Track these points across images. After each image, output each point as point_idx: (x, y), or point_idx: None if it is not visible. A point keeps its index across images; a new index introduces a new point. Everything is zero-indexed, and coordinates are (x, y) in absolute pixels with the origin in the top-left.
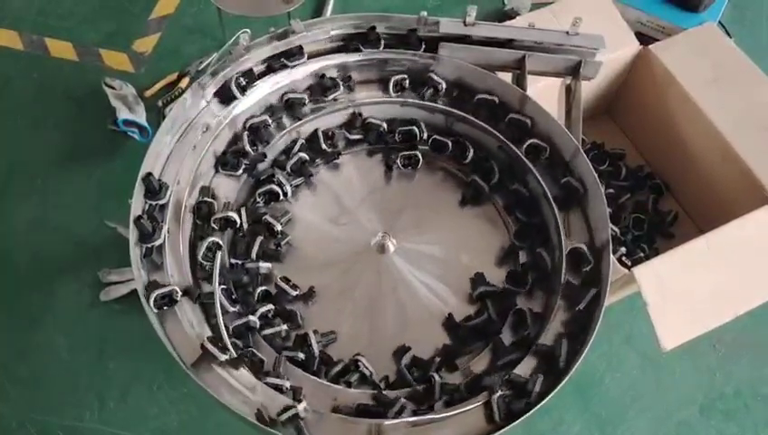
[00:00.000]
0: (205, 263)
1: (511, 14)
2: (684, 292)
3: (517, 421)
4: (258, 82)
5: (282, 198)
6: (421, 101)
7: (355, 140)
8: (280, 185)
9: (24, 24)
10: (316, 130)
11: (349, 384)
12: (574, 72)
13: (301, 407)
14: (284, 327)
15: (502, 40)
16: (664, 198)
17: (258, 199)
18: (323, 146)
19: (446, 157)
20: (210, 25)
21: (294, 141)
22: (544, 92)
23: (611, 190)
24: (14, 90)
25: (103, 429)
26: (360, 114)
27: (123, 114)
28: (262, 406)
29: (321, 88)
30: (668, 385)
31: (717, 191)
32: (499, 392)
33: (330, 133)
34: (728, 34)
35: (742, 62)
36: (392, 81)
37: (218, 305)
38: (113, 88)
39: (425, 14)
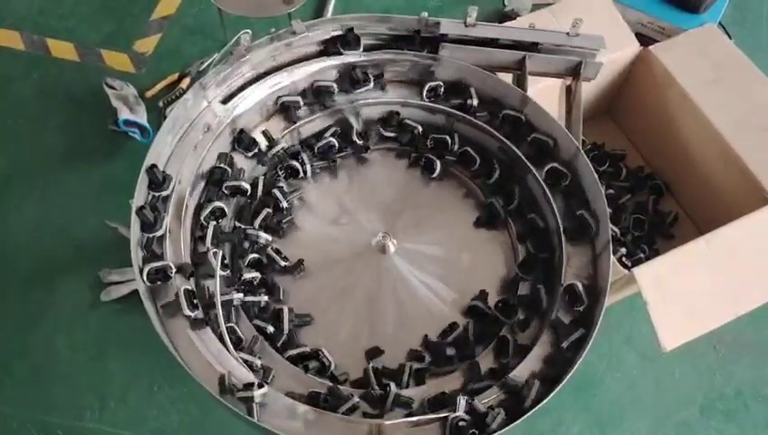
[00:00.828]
0: (205, 224)
1: (511, 15)
2: (684, 292)
3: None
4: (257, 83)
5: (301, 175)
6: (456, 112)
7: (388, 137)
8: (302, 163)
9: (25, 25)
10: (350, 119)
11: (306, 369)
12: (575, 72)
13: (258, 392)
14: (265, 298)
15: (502, 41)
16: (664, 198)
17: (279, 172)
18: (355, 138)
19: (460, 165)
20: (211, 26)
21: (328, 127)
22: (545, 93)
23: (612, 191)
24: (14, 90)
25: (104, 428)
26: (398, 113)
27: (124, 115)
28: (228, 375)
29: (351, 81)
30: (668, 385)
31: (717, 192)
32: (456, 414)
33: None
34: (728, 35)
35: (742, 63)
36: (426, 86)
37: (214, 263)
38: (114, 88)
39: (425, 14)
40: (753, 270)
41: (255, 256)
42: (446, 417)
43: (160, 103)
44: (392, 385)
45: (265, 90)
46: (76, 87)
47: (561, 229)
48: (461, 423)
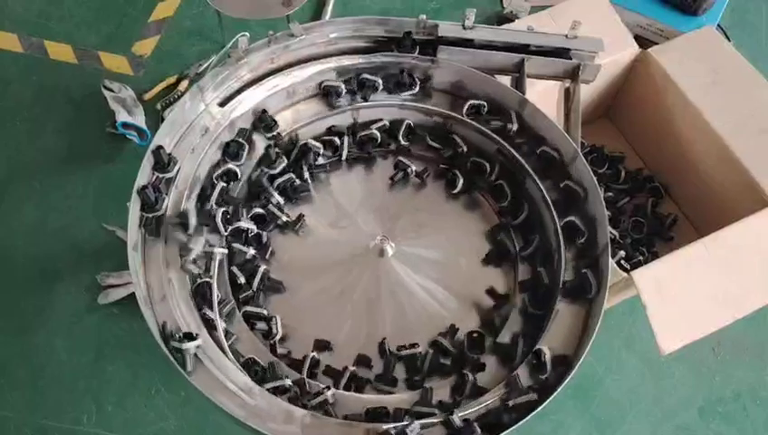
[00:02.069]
0: (215, 182)
1: (510, 18)
2: (683, 295)
3: None
4: (255, 86)
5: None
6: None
7: (431, 146)
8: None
9: (24, 27)
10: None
11: (252, 327)
12: (573, 75)
13: (191, 344)
14: (252, 252)
15: (501, 43)
16: (663, 201)
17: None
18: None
19: (490, 195)
20: (210, 28)
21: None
22: (543, 96)
23: (610, 193)
24: (13, 92)
25: (101, 432)
26: (446, 125)
27: (122, 117)
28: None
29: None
30: (668, 388)
31: (717, 194)
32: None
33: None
34: (727, 38)
35: (741, 66)
36: (467, 104)
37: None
38: (112, 91)
39: (424, 17)
40: (753, 273)
41: (260, 210)
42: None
43: (158, 106)
44: (330, 388)
45: (263, 92)
46: (74, 89)
47: (561, 285)
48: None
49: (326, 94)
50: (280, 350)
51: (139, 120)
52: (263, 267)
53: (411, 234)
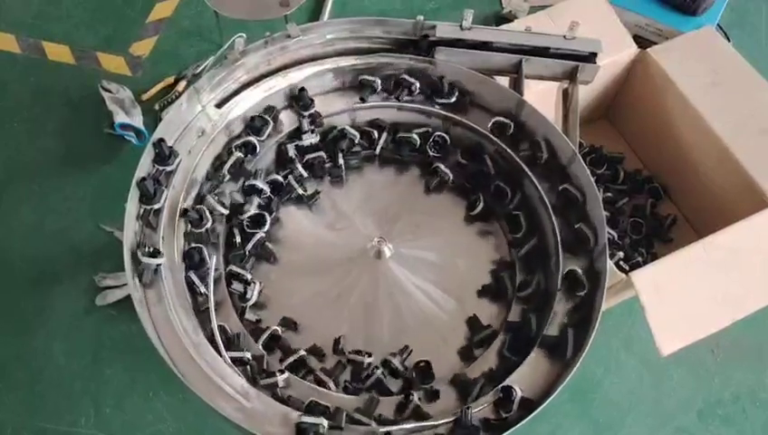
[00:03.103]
0: (233, 151)
1: (508, 18)
2: (682, 296)
3: None
4: (252, 87)
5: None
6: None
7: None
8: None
9: (22, 28)
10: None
11: (228, 284)
12: (571, 76)
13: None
14: (256, 210)
15: (499, 44)
16: (662, 202)
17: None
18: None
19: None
20: (207, 29)
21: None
22: (541, 97)
23: (609, 194)
24: (10, 93)
25: (99, 434)
26: (481, 145)
27: (120, 118)
28: None
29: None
30: (667, 390)
31: (716, 195)
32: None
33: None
34: (727, 38)
35: (740, 66)
36: (492, 121)
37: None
38: (110, 91)
39: (422, 18)
40: (752, 274)
41: (278, 177)
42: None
43: (156, 106)
44: (283, 372)
45: (260, 93)
46: (72, 90)
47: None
48: None
49: (361, 87)
50: (249, 315)
51: (137, 120)
52: (261, 233)
53: (409, 236)
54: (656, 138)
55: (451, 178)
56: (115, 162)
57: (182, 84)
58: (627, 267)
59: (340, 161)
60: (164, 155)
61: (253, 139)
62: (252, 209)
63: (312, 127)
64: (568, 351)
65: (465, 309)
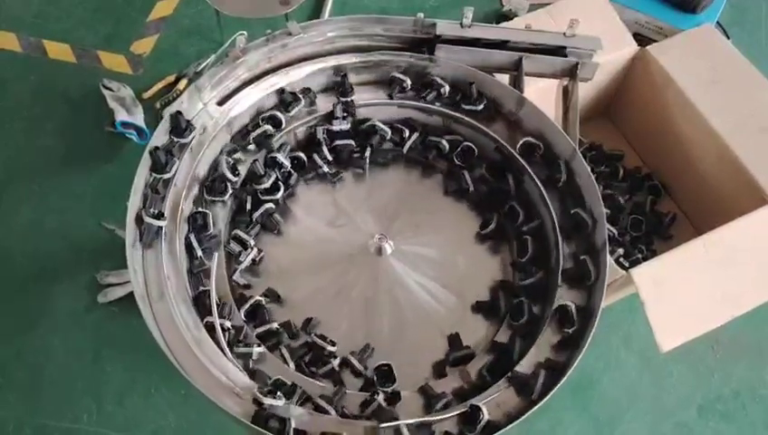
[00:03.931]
0: (261, 123)
1: (509, 16)
2: (682, 293)
3: None
4: (253, 84)
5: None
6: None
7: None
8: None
9: (22, 27)
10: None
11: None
12: (571, 73)
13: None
14: (274, 177)
15: (499, 42)
16: (662, 199)
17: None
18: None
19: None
20: (208, 27)
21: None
22: (542, 94)
23: (609, 191)
24: (11, 92)
25: (101, 431)
26: (474, 149)
27: (121, 116)
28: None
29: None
30: (666, 386)
31: (715, 193)
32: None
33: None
34: (726, 36)
35: (740, 64)
36: (522, 141)
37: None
38: (111, 90)
39: (422, 15)
40: (752, 270)
41: (302, 155)
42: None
43: (158, 105)
44: (260, 345)
45: (261, 91)
46: (73, 89)
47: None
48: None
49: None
50: (236, 278)
51: (139, 118)
52: (270, 204)
53: (409, 233)
54: (655, 135)
55: (472, 188)
56: (116, 161)
57: (183, 82)
58: (627, 264)
59: (366, 154)
60: (181, 128)
61: (278, 113)
62: (268, 182)
63: (345, 114)
64: (535, 393)
65: (465, 305)
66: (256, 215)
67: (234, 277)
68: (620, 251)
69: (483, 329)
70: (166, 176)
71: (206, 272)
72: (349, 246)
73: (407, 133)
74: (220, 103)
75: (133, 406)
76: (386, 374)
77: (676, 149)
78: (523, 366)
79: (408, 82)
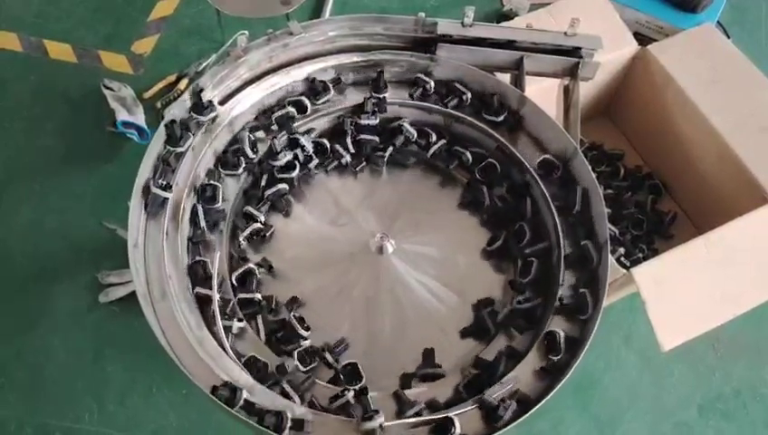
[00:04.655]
0: (285, 105)
1: (510, 15)
2: (682, 292)
3: None
4: (254, 84)
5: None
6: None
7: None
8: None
9: (23, 26)
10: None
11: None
12: (572, 72)
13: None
14: (289, 157)
15: (500, 41)
16: (663, 198)
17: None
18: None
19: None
20: (209, 27)
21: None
22: (542, 93)
23: (610, 191)
24: (12, 92)
25: (102, 431)
26: (498, 167)
27: (122, 116)
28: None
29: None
30: (667, 385)
31: (716, 192)
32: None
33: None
34: (727, 35)
35: (740, 63)
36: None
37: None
38: (112, 90)
39: (423, 15)
40: (752, 269)
41: (326, 141)
42: (445, 418)
43: (158, 104)
44: (242, 320)
45: (262, 91)
46: (74, 89)
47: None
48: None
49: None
50: (233, 248)
51: (139, 118)
52: (284, 184)
53: (410, 231)
54: (656, 135)
55: (488, 202)
56: (116, 160)
57: (184, 82)
58: (628, 263)
59: (387, 153)
60: (201, 107)
61: (304, 99)
62: (284, 160)
63: (375, 109)
64: (500, 423)
65: (466, 303)
66: (269, 192)
67: (232, 249)
68: (621, 250)
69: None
70: (179, 149)
71: (206, 244)
72: (350, 244)
73: (433, 138)
74: (222, 103)
75: (134, 406)
76: (352, 373)
77: (677, 149)
78: (494, 393)
79: (432, 84)
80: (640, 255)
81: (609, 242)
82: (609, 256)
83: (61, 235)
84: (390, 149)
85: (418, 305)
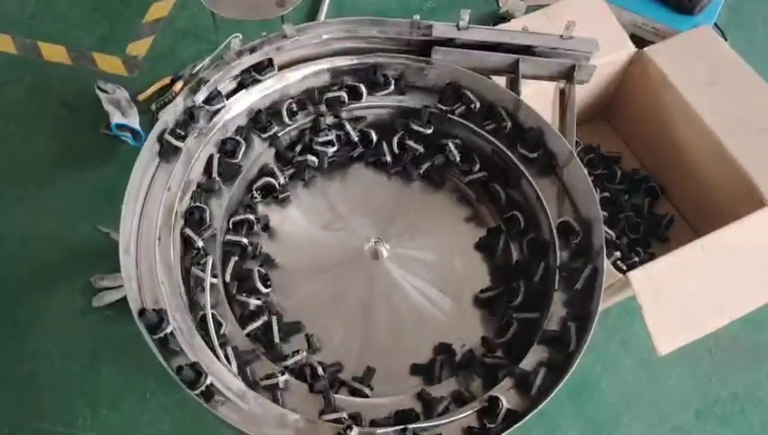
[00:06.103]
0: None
1: (505, 18)
2: (679, 296)
3: None
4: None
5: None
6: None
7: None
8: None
9: (18, 28)
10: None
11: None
12: (568, 75)
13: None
14: (296, 153)
15: (495, 44)
16: (659, 201)
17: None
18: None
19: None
20: (204, 29)
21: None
22: (538, 96)
23: (607, 194)
24: (6, 94)
25: None
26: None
27: (116, 118)
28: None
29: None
30: (664, 390)
31: (713, 195)
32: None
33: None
34: (724, 37)
35: (737, 65)
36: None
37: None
38: (106, 92)
39: (418, 17)
40: (749, 273)
41: (373, 133)
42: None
43: (153, 107)
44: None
45: (256, 94)
46: (68, 91)
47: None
48: None
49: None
50: (227, 236)
51: (134, 121)
52: (315, 158)
53: (405, 236)
54: (653, 137)
55: (500, 252)
56: (111, 163)
57: (179, 85)
58: (624, 267)
59: (424, 166)
60: (213, 96)
61: (362, 85)
62: (324, 138)
63: (429, 121)
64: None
65: (462, 308)
66: (298, 158)
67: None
68: (618, 254)
69: (477, 334)
70: (208, 107)
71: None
72: (345, 250)
73: (476, 167)
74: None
75: (128, 410)
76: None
77: (674, 151)
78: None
79: (478, 103)
80: (637, 258)
81: (605, 246)
82: (606, 259)
83: (55, 238)
84: (428, 164)
85: (414, 311)
